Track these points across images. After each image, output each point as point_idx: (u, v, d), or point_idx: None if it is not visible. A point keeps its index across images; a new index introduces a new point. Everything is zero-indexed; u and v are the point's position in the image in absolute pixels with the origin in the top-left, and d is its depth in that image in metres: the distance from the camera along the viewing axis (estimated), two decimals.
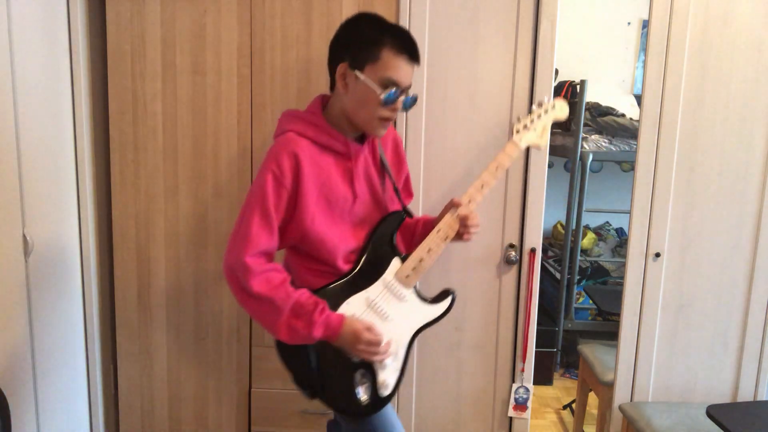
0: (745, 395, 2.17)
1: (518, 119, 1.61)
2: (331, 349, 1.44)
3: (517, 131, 1.60)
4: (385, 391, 1.48)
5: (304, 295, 1.39)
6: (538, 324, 2.17)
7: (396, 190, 1.56)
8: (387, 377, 1.48)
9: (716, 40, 2.01)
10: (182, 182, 2.10)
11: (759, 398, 2.17)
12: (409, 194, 1.74)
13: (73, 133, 2.03)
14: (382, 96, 1.37)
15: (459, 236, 1.53)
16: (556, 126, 3.48)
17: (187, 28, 2.02)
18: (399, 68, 1.37)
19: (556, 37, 1.99)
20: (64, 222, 2.00)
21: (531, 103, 2.04)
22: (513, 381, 2.19)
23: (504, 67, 2.03)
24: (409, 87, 1.43)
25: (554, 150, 3.35)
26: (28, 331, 1.79)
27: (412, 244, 1.62)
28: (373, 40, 1.38)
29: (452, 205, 1.52)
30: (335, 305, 1.45)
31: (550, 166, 2.12)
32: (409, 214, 1.56)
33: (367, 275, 1.49)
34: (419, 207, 2.08)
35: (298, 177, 1.38)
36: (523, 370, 2.16)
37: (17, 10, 1.68)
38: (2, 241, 1.66)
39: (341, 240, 1.47)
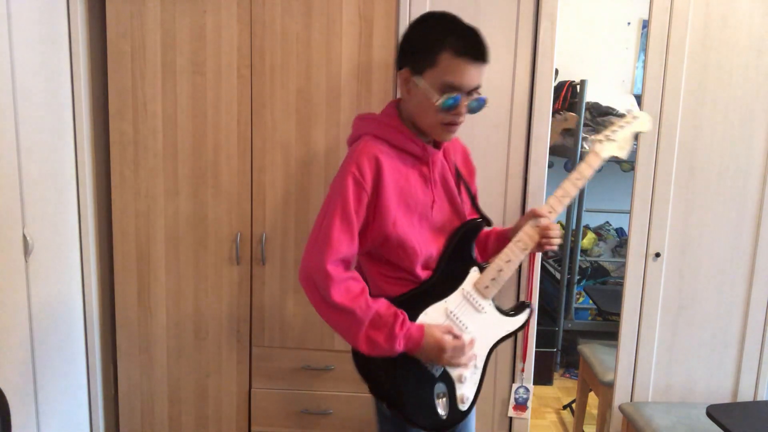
0: (745, 395, 2.17)
1: (598, 131, 1.57)
2: (409, 361, 1.38)
3: (600, 141, 1.56)
4: (463, 406, 1.43)
5: (383, 306, 1.33)
6: (538, 324, 2.17)
7: (472, 198, 1.52)
8: (466, 391, 1.43)
9: (716, 40, 2.00)
10: (182, 182, 2.10)
11: (759, 398, 2.17)
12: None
13: (73, 133, 2.03)
14: (439, 102, 1.32)
15: (538, 246, 1.48)
16: (556, 126, 3.47)
17: (187, 28, 2.02)
18: (460, 72, 1.31)
19: (556, 37, 1.99)
20: (64, 222, 2.00)
21: (531, 102, 2.04)
22: (513, 381, 2.19)
23: (504, 67, 2.03)
24: (476, 88, 1.37)
25: (554, 150, 3.35)
26: (28, 331, 1.79)
27: (486, 255, 1.58)
28: (433, 43, 1.32)
29: (532, 215, 1.48)
30: (413, 315, 1.38)
31: (550, 166, 2.11)
32: (488, 223, 1.50)
33: (445, 285, 1.43)
34: None
35: (379, 180, 1.34)
36: (523, 370, 2.16)
37: (17, 10, 1.68)
38: (2, 241, 1.66)
39: (422, 244, 1.41)
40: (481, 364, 1.46)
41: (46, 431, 1.90)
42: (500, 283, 1.45)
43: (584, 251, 3.59)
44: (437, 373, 1.41)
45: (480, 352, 1.45)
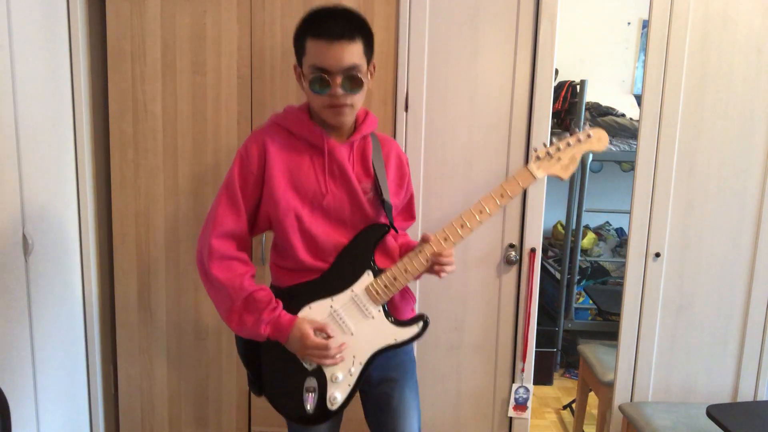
0: (745, 395, 2.17)
1: (543, 144, 1.43)
2: (284, 350, 1.41)
3: (538, 158, 1.41)
4: (332, 406, 1.43)
5: (261, 292, 1.38)
6: (538, 324, 2.17)
7: (384, 202, 1.47)
8: (336, 392, 1.42)
9: (716, 40, 2.01)
10: (182, 182, 2.10)
11: (759, 398, 2.17)
12: (411, 216, 1.69)
13: (73, 133, 2.03)
14: (306, 84, 1.38)
15: (431, 270, 1.45)
16: (556, 126, 3.48)
17: (187, 28, 2.02)
18: (320, 53, 1.34)
19: (556, 37, 1.99)
20: (64, 222, 2.00)
21: (531, 102, 2.04)
22: (513, 381, 2.19)
23: (504, 67, 2.03)
24: (350, 67, 1.35)
25: None
26: (28, 331, 1.79)
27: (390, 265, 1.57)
28: (300, 33, 1.39)
29: (425, 240, 1.45)
30: (297, 306, 1.42)
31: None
32: (394, 229, 1.50)
33: (336, 282, 1.44)
34: (419, 205, 2.08)
35: (264, 161, 1.41)
36: (523, 370, 2.16)
37: (17, 10, 1.68)
38: (2, 241, 1.66)
39: (303, 219, 1.42)
40: (357, 370, 1.43)
41: (46, 431, 1.90)
42: (393, 291, 1.43)
43: (584, 251, 3.60)
44: (310, 368, 1.42)
45: (359, 357, 1.43)
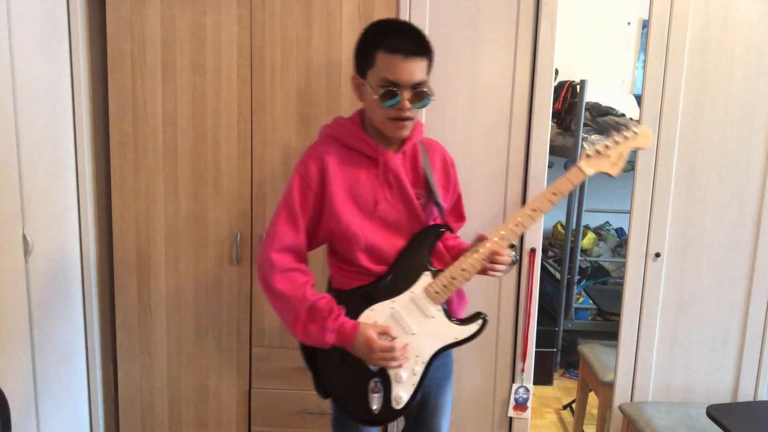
0: (745, 395, 2.17)
1: (591, 142, 1.46)
2: (349, 354, 1.43)
3: (588, 156, 1.46)
4: (397, 406, 1.46)
5: (323, 300, 1.41)
6: (538, 324, 2.17)
7: (438, 204, 1.53)
8: (401, 391, 1.45)
9: (716, 40, 2.01)
10: (182, 182, 2.10)
11: (759, 398, 2.17)
12: (461, 217, 1.73)
13: (73, 133, 2.03)
14: (377, 97, 1.40)
15: (484, 270, 1.48)
16: (556, 126, 3.48)
17: (187, 28, 2.02)
18: (394, 67, 1.38)
19: (556, 37, 1.99)
20: (64, 222, 2.00)
21: (531, 102, 2.04)
22: (513, 381, 2.19)
23: (504, 67, 2.03)
24: (418, 83, 1.41)
25: (554, 150, 3.34)
26: (28, 331, 1.79)
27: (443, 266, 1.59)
28: (369, 45, 1.42)
29: (480, 239, 1.48)
30: (359, 309, 1.45)
31: (550, 166, 2.11)
32: (450, 230, 1.54)
33: (396, 285, 1.47)
34: None
35: (323, 177, 1.44)
36: (523, 370, 2.16)
37: (17, 11, 1.68)
38: (2, 241, 1.66)
39: (367, 234, 1.46)
40: (420, 369, 1.46)
41: (46, 431, 1.90)
42: (452, 290, 1.46)
43: (584, 251, 3.60)
44: (374, 369, 1.44)
45: (421, 356, 1.46)
